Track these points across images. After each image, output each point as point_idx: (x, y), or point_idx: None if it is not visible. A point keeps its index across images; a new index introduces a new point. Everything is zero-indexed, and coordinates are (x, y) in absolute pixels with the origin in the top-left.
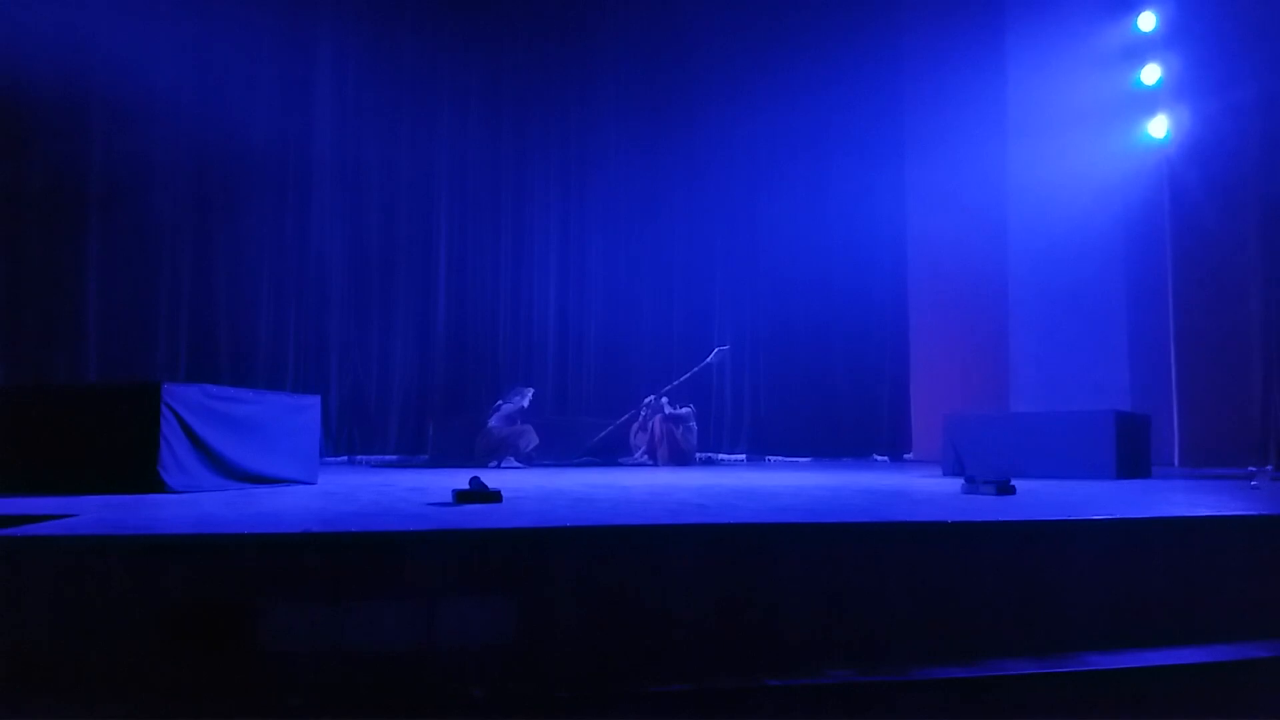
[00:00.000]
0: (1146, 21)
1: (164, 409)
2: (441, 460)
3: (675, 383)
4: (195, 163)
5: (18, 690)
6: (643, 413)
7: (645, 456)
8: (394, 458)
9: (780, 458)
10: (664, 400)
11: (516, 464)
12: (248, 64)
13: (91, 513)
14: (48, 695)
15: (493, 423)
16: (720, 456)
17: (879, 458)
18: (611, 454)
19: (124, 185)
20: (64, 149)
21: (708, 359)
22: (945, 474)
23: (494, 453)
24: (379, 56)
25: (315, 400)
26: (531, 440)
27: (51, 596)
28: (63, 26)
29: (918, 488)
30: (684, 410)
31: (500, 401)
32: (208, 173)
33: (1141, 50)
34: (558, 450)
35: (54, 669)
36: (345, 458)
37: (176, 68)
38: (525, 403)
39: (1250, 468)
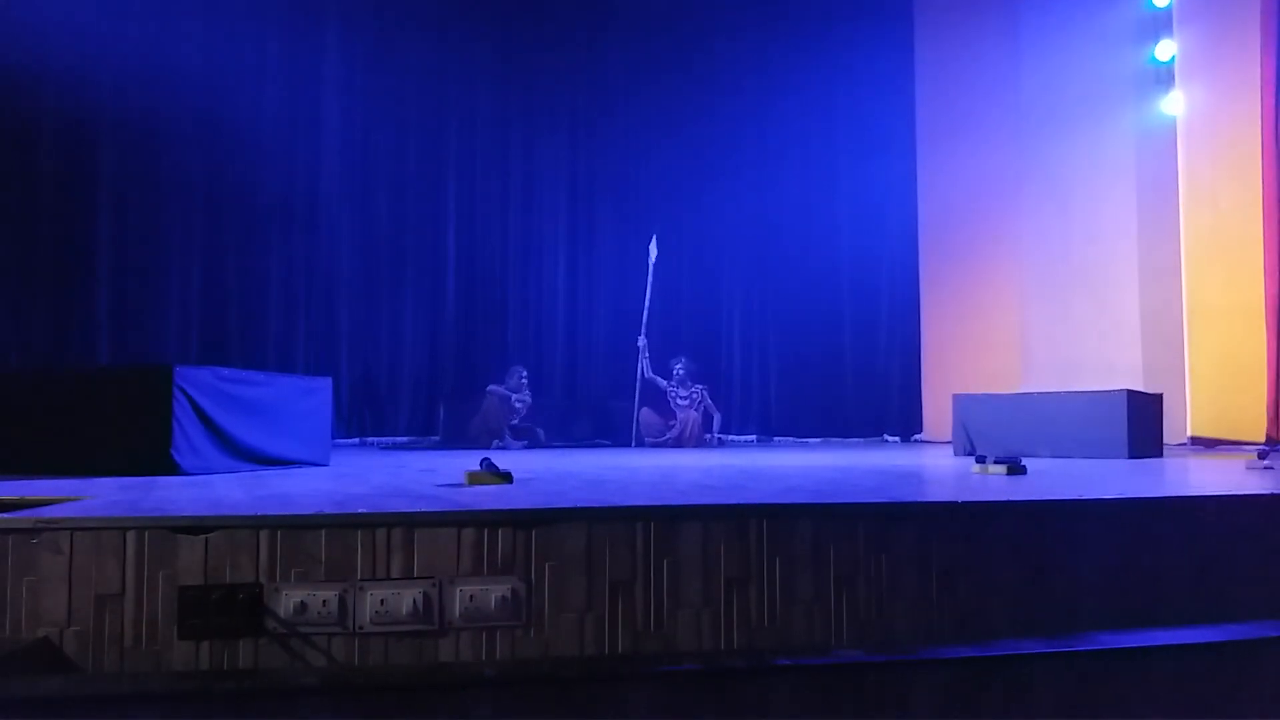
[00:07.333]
0: None
1: (176, 391)
2: (453, 442)
3: (645, 310)
4: (204, 147)
5: (30, 671)
6: (643, 358)
7: (673, 439)
8: (405, 439)
9: (790, 438)
10: (680, 367)
11: (528, 445)
12: (257, 44)
13: (106, 494)
14: (60, 676)
15: (486, 406)
16: (730, 438)
17: (889, 438)
18: (627, 435)
19: (134, 170)
20: (76, 134)
21: (649, 259)
22: (956, 454)
23: (492, 434)
24: (387, 37)
25: (326, 382)
26: (523, 401)
27: (65, 577)
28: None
29: (928, 468)
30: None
31: (493, 385)
32: (216, 157)
33: (1156, 26)
34: (568, 432)
35: (65, 650)
36: (357, 440)
37: (185, 50)
38: (523, 380)
39: (1263, 446)
